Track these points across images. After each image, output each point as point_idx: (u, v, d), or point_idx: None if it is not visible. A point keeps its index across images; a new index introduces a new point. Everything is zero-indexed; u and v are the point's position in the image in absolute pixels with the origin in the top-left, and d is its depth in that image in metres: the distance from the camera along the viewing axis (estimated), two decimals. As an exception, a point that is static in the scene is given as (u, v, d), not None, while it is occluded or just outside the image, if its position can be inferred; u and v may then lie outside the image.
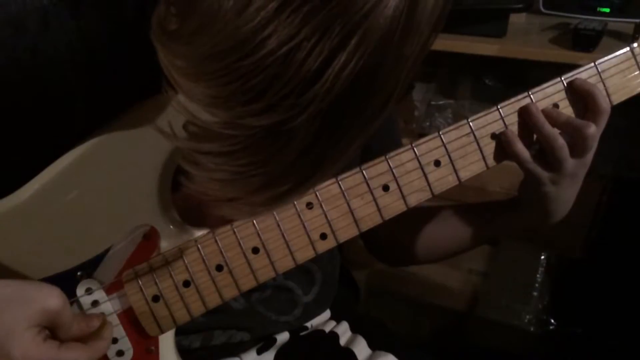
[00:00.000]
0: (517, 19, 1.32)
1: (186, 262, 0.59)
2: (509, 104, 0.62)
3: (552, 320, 1.45)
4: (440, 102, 1.47)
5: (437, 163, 0.62)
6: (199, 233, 0.59)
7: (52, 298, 0.50)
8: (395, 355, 0.75)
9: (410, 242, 0.79)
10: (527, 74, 1.25)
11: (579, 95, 0.62)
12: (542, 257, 1.47)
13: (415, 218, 0.78)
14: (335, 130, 0.35)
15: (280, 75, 0.32)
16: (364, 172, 0.61)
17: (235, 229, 0.59)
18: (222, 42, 0.32)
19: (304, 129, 0.34)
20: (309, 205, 0.60)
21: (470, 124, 0.62)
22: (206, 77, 0.33)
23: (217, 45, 0.32)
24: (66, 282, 0.54)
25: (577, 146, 0.61)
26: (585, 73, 0.63)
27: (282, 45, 0.31)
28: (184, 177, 0.39)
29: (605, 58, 0.64)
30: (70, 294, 0.56)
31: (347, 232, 0.62)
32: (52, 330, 0.51)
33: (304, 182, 0.38)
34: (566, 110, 0.63)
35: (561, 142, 0.61)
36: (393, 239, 0.81)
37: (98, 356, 0.55)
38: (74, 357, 0.51)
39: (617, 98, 0.65)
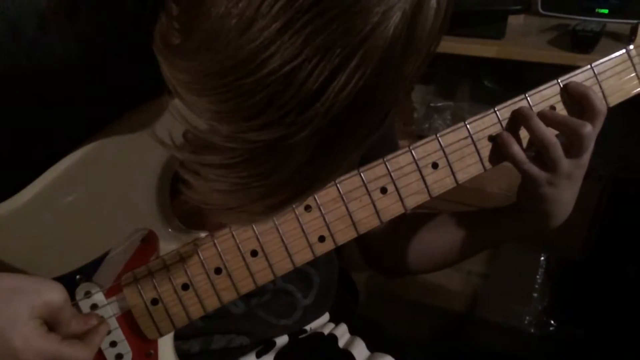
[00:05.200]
0: (516, 21, 1.32)
1: (185, 265, 0.59)
2: (505, 107, 0.63)
3: (552, 322, 1.45)
4: (439, 104, 1.47)
5: (435, 165, 0.62)
6: (198, 236, 0.59)
7: (55, 292, 0.51)
8: (394, 356, 0.75)
9: (408, 250, 0.79)
10: (525, 76, 1.24)
11: (575, 98, 0.63)
12: (542, 258, 1.46)
13: (414, 226, 0.78)
14: (334, 145, 0.36)
15: (281, 94, 0.32)
16: (362, 174, 0.61)
17: (234, 233, 0.59)
18: (224, 60, 0.32)
19: (304, 144, 0.34)
20: (307, 208, 0.60)
21: (467, 126, 0.62)
22: (208, 92, 0.34)
23: (219, 63, 0.32)
24: (65, 285, 0.54)
25: (573, 146, 0.61)
26: (581, 75, 0.64)
27: (283, 65, 0.31)
28: (183, 185, 0.39)
29: (602, 60, 0.64)
30: (69, 298, 0.56)
31: (345, 234, 0.62)
32: (51, 326, 0.52)
33: (303, 192, 0.38)
34: (563, 112, 0.63)
35: (554, 140, 0.61)
36: (391, 248, 0.80)
37: (94, 352, 0.54)
38: (74, 354, 0.51)
39: (613, 100, 0.65)
